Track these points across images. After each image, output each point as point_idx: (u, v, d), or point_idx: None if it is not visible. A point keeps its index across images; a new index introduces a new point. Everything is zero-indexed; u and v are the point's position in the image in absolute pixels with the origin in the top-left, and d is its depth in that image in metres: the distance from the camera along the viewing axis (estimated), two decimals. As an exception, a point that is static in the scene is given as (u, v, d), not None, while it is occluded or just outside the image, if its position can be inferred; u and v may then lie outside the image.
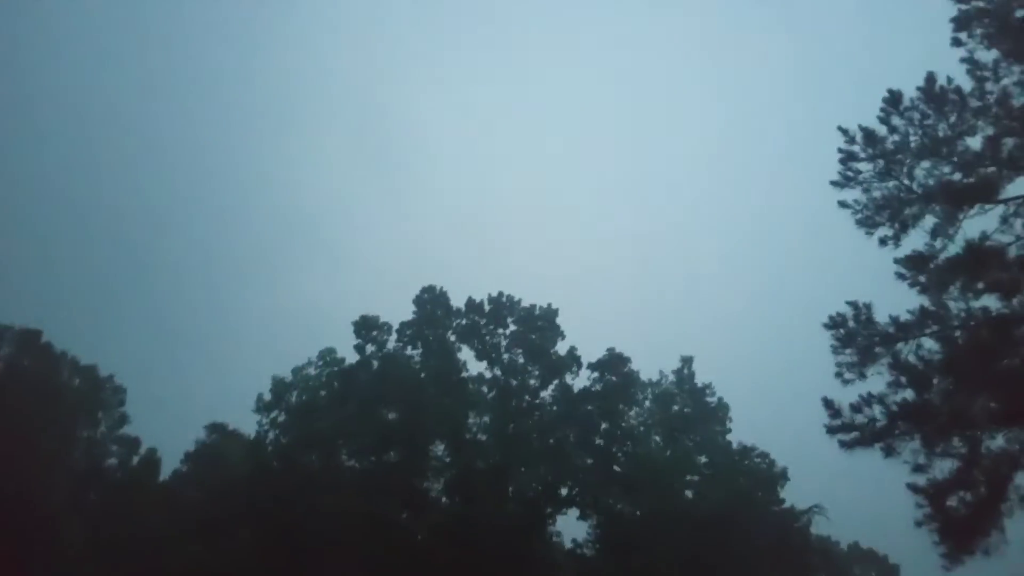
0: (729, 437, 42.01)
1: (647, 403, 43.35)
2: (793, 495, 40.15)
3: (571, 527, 39.88)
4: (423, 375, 40.24)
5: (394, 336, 40.99)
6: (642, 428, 42.88)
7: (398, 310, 42.30)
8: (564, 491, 40.24)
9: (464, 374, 41.59)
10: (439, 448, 40.05)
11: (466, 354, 41.64)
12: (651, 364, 46.17)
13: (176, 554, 35.93)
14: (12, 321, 44.54)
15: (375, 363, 40.34)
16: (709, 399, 42.61)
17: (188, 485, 43.53)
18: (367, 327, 40.80)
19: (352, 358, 41.31)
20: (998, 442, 18.98)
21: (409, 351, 41.04)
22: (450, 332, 41.39)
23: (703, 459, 41.91)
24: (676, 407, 42.85)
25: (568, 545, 39.77)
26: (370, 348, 40.72)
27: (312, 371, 43.00)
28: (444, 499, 40.10)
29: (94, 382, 45.68)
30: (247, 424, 42.83)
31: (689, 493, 40.48)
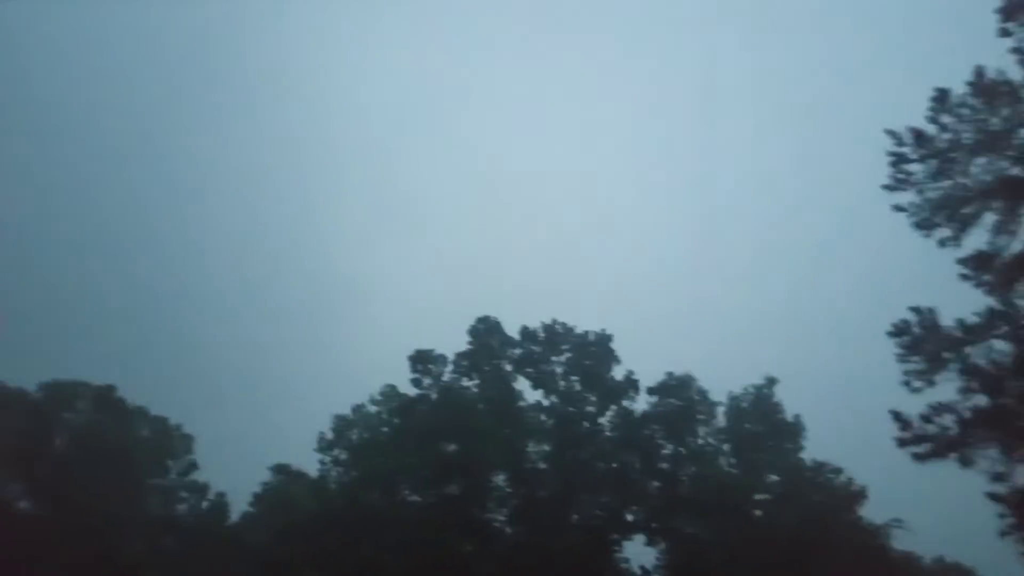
0: (803, 455, 40.74)
1: (717, 422, 42.48)
2: (874, 511, 38.57)
3: (639, 553, 39.17)
4: (480, 406, 40.32)
5: (450, 368, 41.25)
6: (710, 449, 42.01)
7: (450, 344, 42.37)
8: (630, 517, 39.60)
9: (521, 403, 41.54)
10: (500, 478, 39.94)
11: (522, 383, 41.64)
12: (718, 377, 44.91)
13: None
14: (87, 377, 46.24)
15: (433, 396, 40.62)
16: (782, 416, 41.49)
17: (256, 527, 44.26)
18: (423, 360, 41.16)
19: (412, 394, 41.72)
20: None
21: (465, 382, 41.20)
22: (505, 362, 41.47)
23: (775, 477, 40.79)
24: (748, 425, 41.86)
25: (637, 572, 38.98)
26: (427, 381, 41.01)
27: (372, 408, 43.51)
28: (508, 529, 39.86)
29: (164, 432, 47.06)
30: (310, 463, 43.57)
31: (760, 512, 39.36)
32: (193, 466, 47.12)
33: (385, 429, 41.95)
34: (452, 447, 39.16)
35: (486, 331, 41.45)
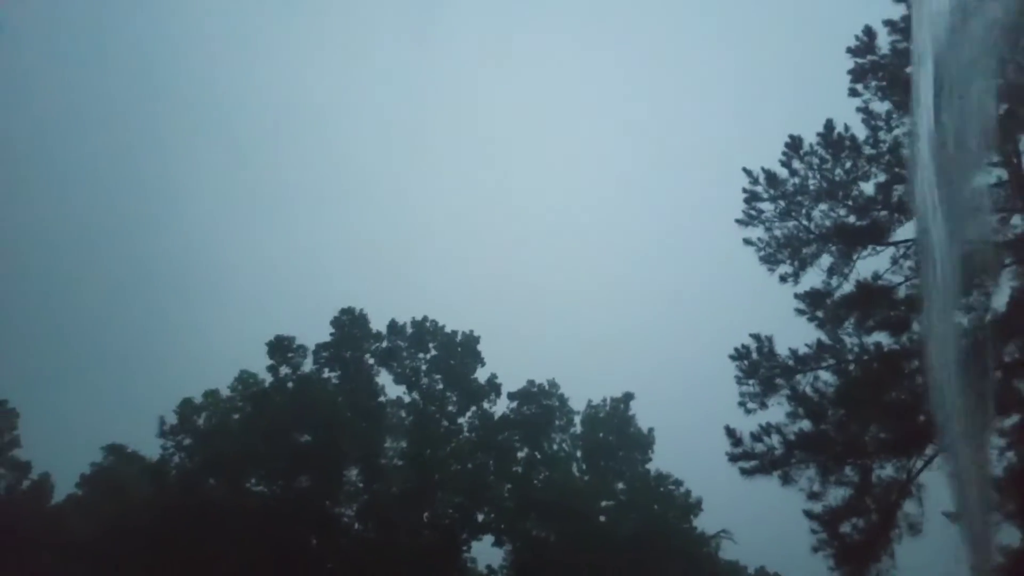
0: (650, 465, 42.71)
1: (574, 430, 43.78)
2: (707, 522, 41.09)
3: (487, 553, 39.73)
4: (339, 398, 39.46)
5: (310, 358, 40.12)
6: (563, 455, 43.25)
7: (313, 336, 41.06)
8: (480, 517, 40.03)
9: (382, 398, 41.06)
10: (353, 473, 39.26)
11: (384, 378, 41.19)
12: (581, 388, 46.36)
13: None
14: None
15: (289, 385, 39.30)
16: (635, 428, 43.32)
17: (83, 511, 41.13)
18: (281, 348, 39.76)
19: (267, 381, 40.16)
20: (887, 471, 20.06)
21: (326, 373, 40.20)
22: (369, 355, 40.81)
23: (621, 485, 42.51)
24: (602, 434, 43.41)
25: (483, 572, 39.49)
26: (284, 370, 39.67)
27: (225, 394, 41.49)
28: (357, 525, 39.25)
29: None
30: (151, 448, 40.94)
31: (604, 518, 40.94)
32: (15, 443, 43.37)
33: (236, 416, 40.09)
34: (306, 438, 38.07)
35: (350, 323, 40.62)
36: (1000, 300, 18.41)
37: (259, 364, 40.32)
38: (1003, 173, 18.77)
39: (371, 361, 40.73)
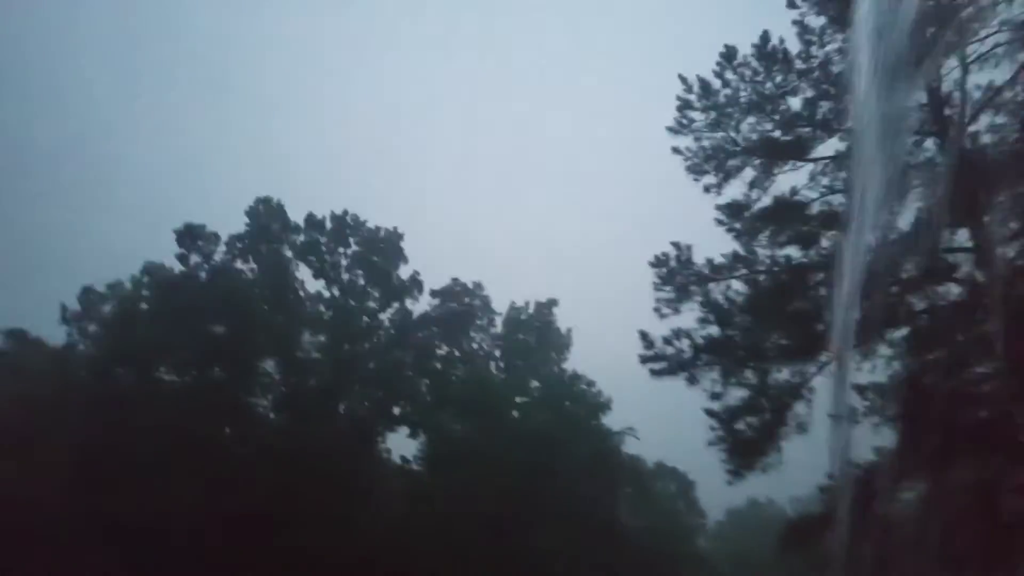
0: (566, 366, 44.11)
1: (495, 331, 44.48)
2: (616, 420, 43.20)
3: (402, 445, 40.77)
4: (255, 290, 38.54)
5: (223, 248, 38.65)
6: (483, 353, 44.12)
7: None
8: (397, 411, 40.77)
9: (301, 292, 40.38)
10: (269, 365, 38.95)
11: (304, 272, 40.39)
12: (508, 291, 46.97)
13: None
14: None
15: (201, 275, 37.98)
16: (554, 330, 44.33)
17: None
18: (192, 236, 38.01)
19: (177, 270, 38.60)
20: (784, 375, 21.43)
21: (240, 265, 38.99)
22: (286, 247, 39.73)
23: (536, 384, 43.91)
24: (522, 336, 44.30)
25: (397, 462, 40.61)
26: (195, 259, 38.20)
27: (130, 285, 39.74)
28: (272, 416, 39.31)
29: None
30: (55, 335, 39.23)
31: (517, 414, 42.46)
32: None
33: (144, 306, 38.65)
34: (219, 329, 37.28)
35: (266, 213, 39.15)
36: (905, 220, 19.41)
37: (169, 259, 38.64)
38: (923, 96, 19.32)
39: (289, 254, 39.73)
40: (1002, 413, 18.20)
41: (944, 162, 18.83)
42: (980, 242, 18.11)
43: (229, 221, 40.06)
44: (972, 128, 19.06)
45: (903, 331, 19.59)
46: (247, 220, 39.08)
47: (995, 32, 18.29)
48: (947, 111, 19.03)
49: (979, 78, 18.74)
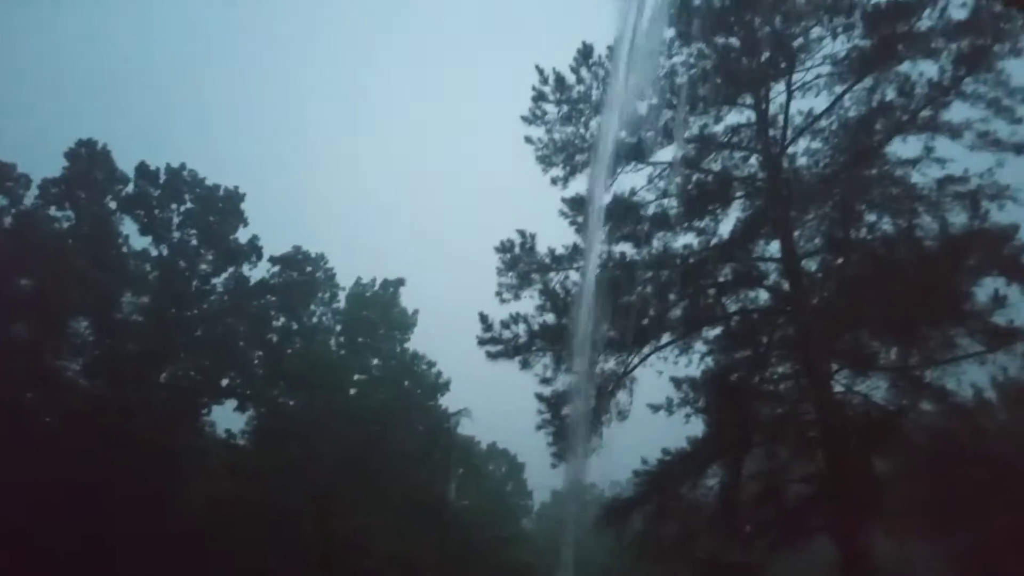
0: (408, 345, 43.73)
1: (338, 304, 43.26)
2: (453, 401, 43.55)
3: (227, 418, 38.84)
4: (70, 241, 35.07)
5: (35, 192, 34.80)
6: (323, 327, 42.83)
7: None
8: (225, 382, 38.78)
9: (124, 248, 37.25)
10: (83, 325, 35.69)
11: (129, 227, 37.26)
12: (355, 265, 45.64)
13: None
14: None
15: (6, 221, 34.01)
16: (399, 309, 43.77)
17: None
18: None
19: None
20: (610, 364, 22.58)
21: (54, 212, 35.31)
22: (110, 198, 36.42)
23: (376, 362, 43.29)
24: (366, 312, 43.38)
25: (221, 435, 38.69)
26: (1, 202, 34.16)
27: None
28: (83, 381, 36.09)
29: None
30: None
31: (355, 391, 41.76)
32: None
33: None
34: (25, 282, 33.62)
35: (89, 157, 35.64)
36: (726, 227, 21.02)
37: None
38: (753, 115, 20.95)
39: (113, 205, 36.46)
40: (793, 411, 20.30)
41: (764, 178, 20.56)
42: (787, 254, 19.97)
43: (44, 164, 36.13)
44: (791, 150, 20.97)
45: (717, 330, 21.25)
46: (66, 163, 35.37)
47: (819, 64, 20.21)
48: (771, 132, 20.76)
49: (802, 104, 20.64)
